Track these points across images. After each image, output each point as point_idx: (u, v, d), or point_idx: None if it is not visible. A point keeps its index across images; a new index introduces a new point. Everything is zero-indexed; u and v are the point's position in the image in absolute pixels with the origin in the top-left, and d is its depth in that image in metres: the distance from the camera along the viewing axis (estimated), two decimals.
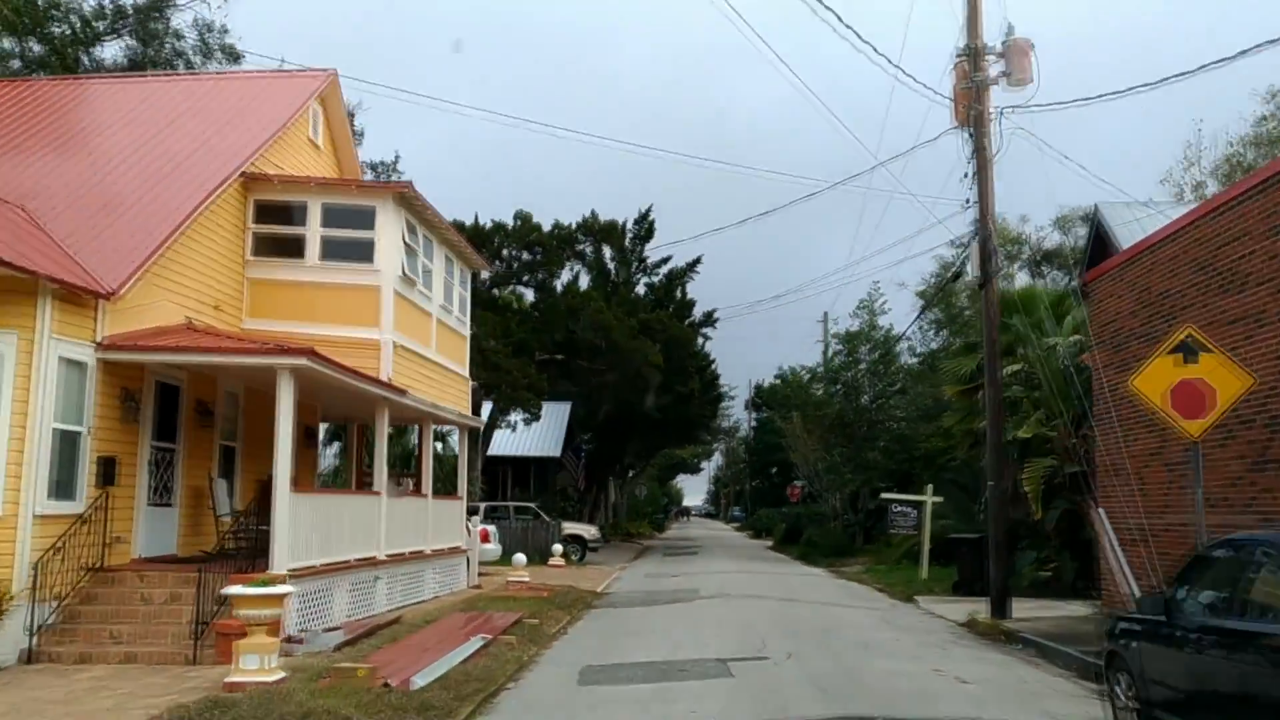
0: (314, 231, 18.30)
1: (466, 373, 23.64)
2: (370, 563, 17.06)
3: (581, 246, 42.03)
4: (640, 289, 48.47)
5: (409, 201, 18.82)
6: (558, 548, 32.30)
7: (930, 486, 26.24)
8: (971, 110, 18.01)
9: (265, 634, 10.83)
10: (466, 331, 23.65)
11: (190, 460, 16.41)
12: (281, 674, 10.60)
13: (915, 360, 41.53)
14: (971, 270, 17.71)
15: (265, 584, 10.95)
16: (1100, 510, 13.31)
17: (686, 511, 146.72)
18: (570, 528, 35.69)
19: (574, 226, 40.99)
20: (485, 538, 27.28)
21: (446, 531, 21.88)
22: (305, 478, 20.87)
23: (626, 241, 48.59)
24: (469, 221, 39.36)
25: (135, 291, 14.49)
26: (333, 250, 18.39)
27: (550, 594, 21.86)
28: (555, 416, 48.52)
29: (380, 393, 17.29)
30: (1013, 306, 23.80)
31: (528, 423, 39.84)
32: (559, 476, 52.11)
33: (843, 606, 20.23)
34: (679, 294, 48.39)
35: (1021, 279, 61.09)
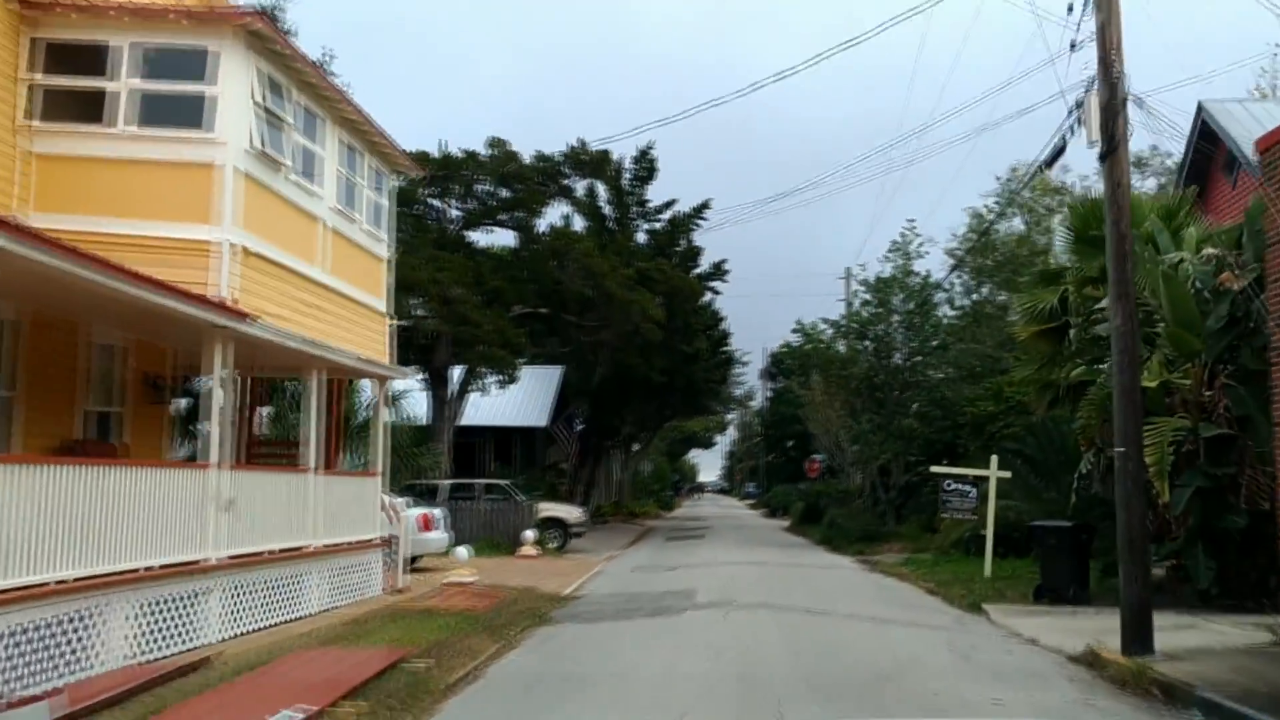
0: (124, 85, 12.52)
1: (385, 307, 17.89)
2: (190, 569, 11.39)
3: (569, 182, 36.12)
4: (640, 237, 42.75)
5: (267, 43, 13.01)
6: (529, 534, 26.68)
7: (995, 458, 20.40)
8: None
9: None
10: (384, 252, 17.85)
11: None
12: None
13: (954, 315, 35.60)
14: (1089, 135, 11.84)
15: None
16: None
17: (700, 488, 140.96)
18: (548, 509, 30.01)
19: (559, 158, 35.06)
20: (427, 524, 21.63)
21: (350, 519, 16.21)
22: (147, 445, 15.20)
23: (624, 182, 42.80)
24: (434, 151, 33.71)
25: None
26: (153, 113, 12.62)
27: (494, 602, 16.26)
28: (543, 382, 42.86)
29: (205, 316, 11.55)
30: (1096, 219, 18.02)
31: (502, 385, 34.12)
32: (551, 450, 46.54)
33: (892, 624, 14.44)
34: (684, 242, 42.60)
35: (1061, 233, 55.23)
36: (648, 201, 43.11)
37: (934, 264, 35.93)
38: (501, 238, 37.13)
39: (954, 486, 20.83)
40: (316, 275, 14.93)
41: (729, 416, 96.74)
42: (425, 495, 29.23)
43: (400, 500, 19.96)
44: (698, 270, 42.52)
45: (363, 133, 16.34)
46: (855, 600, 17.46)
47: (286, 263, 13.86)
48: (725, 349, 44.55)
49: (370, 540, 17.06)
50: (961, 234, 37.33)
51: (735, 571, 22.67)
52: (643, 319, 35.10)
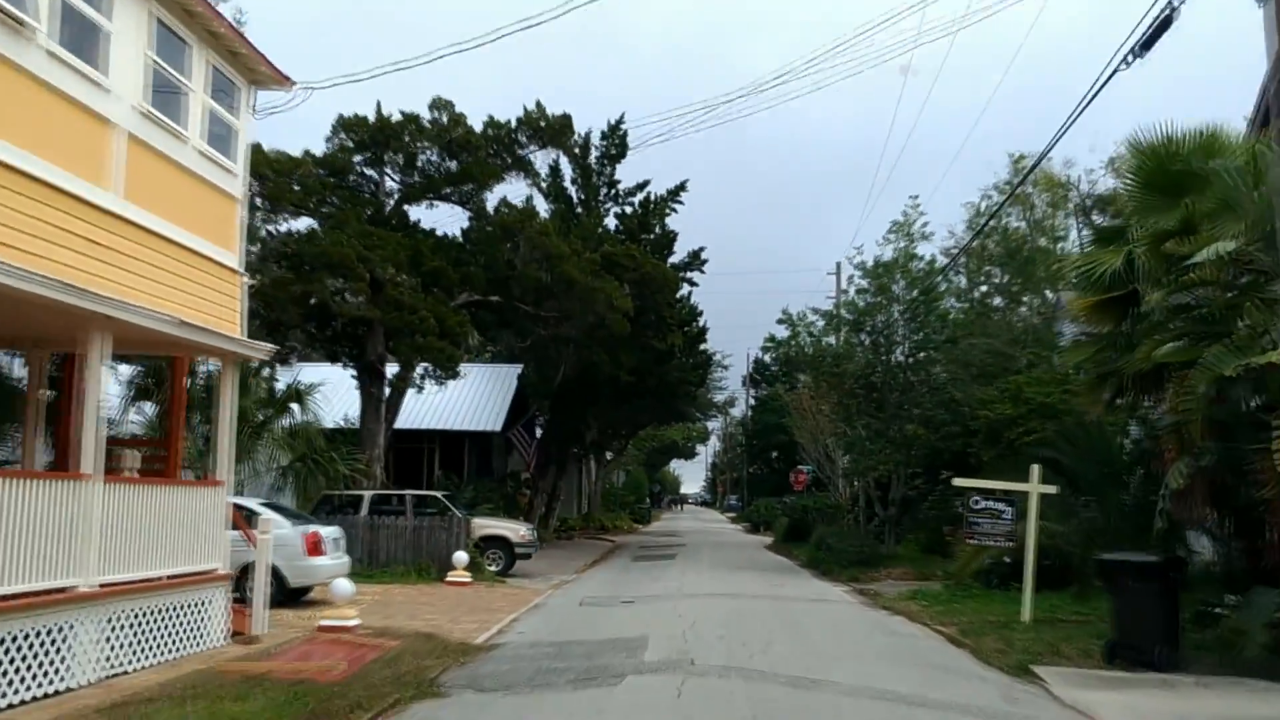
0: None
1: (237, 262, 13.44)
2: None
3: (526, 153, 31.60)
4: (610, 222, 38.48)
5: None
6: (461, 557, 22.20)
7: (1037, 469, 15.98)
8: None
9: None
10: (236, 188, 13.41)
11: None
12: None
13: (961, 308, 31.37)
14: None
15: None
16: None
17: (681, 500, 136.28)
18: (488, 527, 25.54)
19: (514, 124, 30.65)
20: (314, 548, 17.13)
21: (171, 545, 11.76)
22: None
23: (591, 160, 38.69)
24: (370, 113, 29.36)
25: None
26: None
27: (369, 658, 11.92)
28: (499, 382, 38.43)
29: None
30: (1172, 156, 13.84)
31: (440, 382, 29.63)
32: (511, 459, 42.11)
33: (920, 708, 9.99)
34: (657, 228, 38.30)
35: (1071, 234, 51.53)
36: (618, 182, 38.91)
37: (934, 253, 31.58)
38: (449, 217, 32.82)
39: (984, 504, 16.42)
40: (105, 202, 10.49)
41: (710, 425, 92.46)
42: (345, 508, 24.88)
43: (273, 515, 15.53)
44: (673, 260, 38.28)
45: (192, 15, 11.93)
46: (860, 658, 13.04)
47: (37, 172, 9.42)
48: (703, 348, 40.07)
49: (207, 572, 12.59)
50: (960, 230, 33.29)
51: (704, 608, 18.27)
52: (608, 309, 30.73)
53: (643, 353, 35.27)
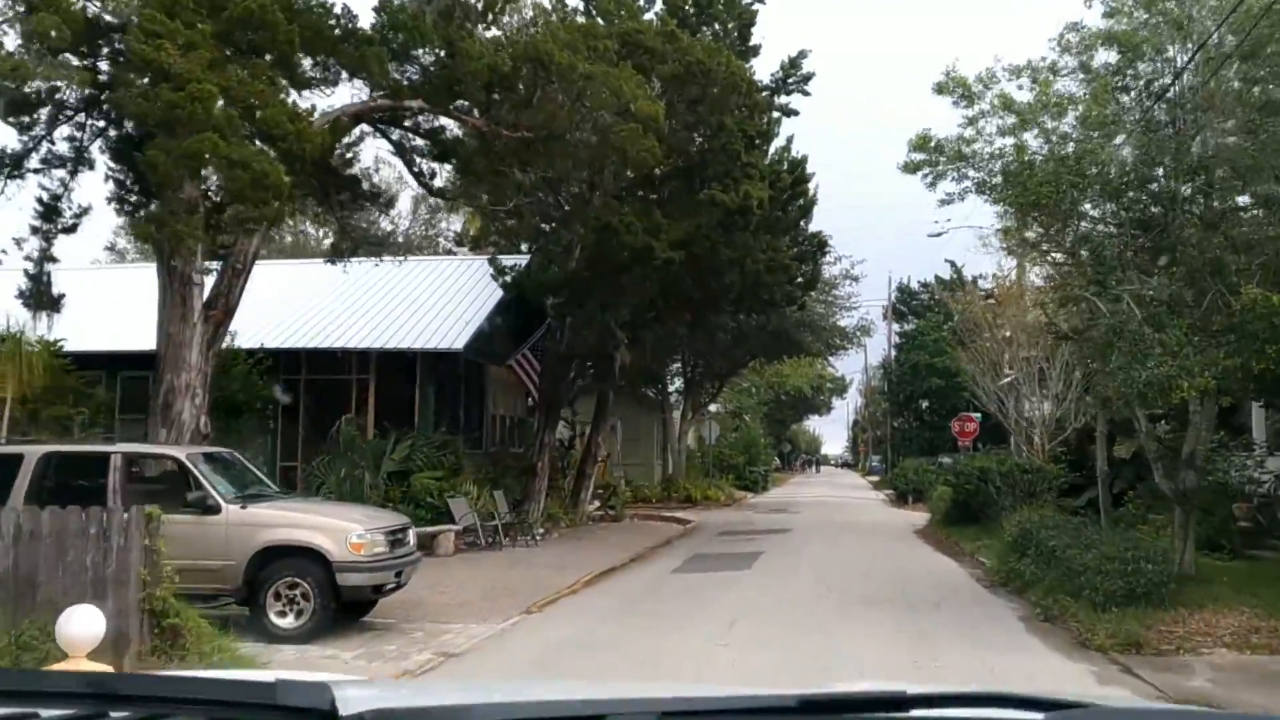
0: None
1: None
2: None
3: None
4: (653, 18, 23.93)
5: None
6: (85, 625, 8.12)
7: None
8: None
9: None
10: None
11: None
12: None
13: None
14: None
15: None
16: None
17: (818, 461, 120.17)
18: (286, 526, 11.28)
19: None
20: None
21: None
22: None
23: None
24: None
25: None
26: None
27: None
28: (471, 279, 24.43)
29: None
30: None
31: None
32: (522, 398, 28.07)
33: None
34: (725, 13, 23.69)
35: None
36: None
37: None
38: None
39: None
40: None
41: (848, 373, 76.94)
42: None
43: None
44: (760, 79, 23.51)
45: None
46: None
47: None
48: (805, 201, 24.58)
49: None
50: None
51: None
52: (617, 116, 16.35)
53: (699, 214, 20.68)
